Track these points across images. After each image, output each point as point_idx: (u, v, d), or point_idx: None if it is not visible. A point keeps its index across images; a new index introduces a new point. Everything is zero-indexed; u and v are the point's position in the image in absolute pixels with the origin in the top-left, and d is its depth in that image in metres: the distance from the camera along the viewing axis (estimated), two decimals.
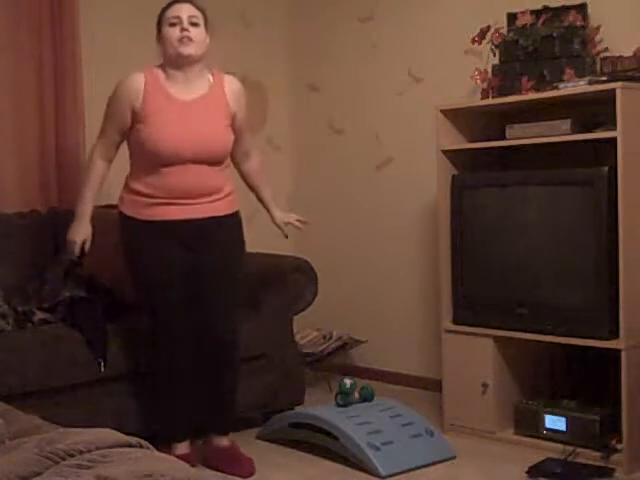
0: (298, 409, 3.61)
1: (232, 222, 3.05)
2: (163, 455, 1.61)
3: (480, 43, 3.57)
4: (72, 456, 1.52)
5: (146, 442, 1.65)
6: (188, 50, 2.88)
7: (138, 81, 2.90)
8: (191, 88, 2.94)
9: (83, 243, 3.02)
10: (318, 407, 3.42)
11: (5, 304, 3.26)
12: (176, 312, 2.96)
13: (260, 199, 3.27)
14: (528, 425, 3.28)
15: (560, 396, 3.31)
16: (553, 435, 3.20)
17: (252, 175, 3.22)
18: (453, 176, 3.49)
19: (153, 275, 2.96)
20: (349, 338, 4.31)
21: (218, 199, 2.98)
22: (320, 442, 3.20)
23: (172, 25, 2.89)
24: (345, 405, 3.33)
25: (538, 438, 3.24)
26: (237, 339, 3.09)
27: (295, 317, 3.74)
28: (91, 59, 4.02)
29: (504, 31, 3.51)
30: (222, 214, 2.99)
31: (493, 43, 3.52)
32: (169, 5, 2.95)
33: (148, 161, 2.89)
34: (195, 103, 2.92)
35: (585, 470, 2.94)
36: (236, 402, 3.15)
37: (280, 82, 4.69)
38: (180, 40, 2.87)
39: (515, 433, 3.34)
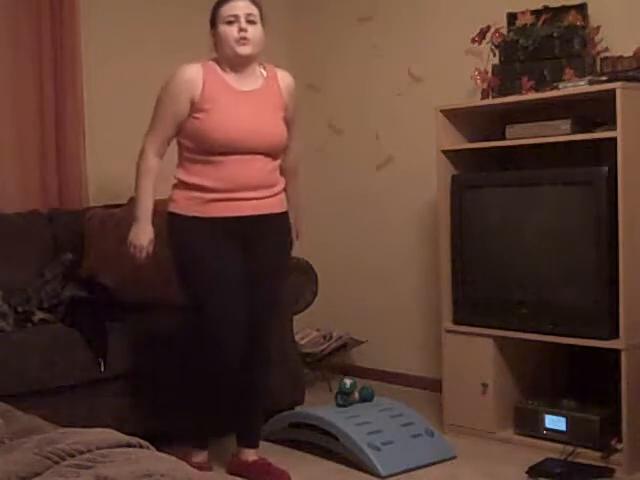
0: (298, 409, 3.61)
1: (284, 220, 3.00)
2: (163, 455, 1.61)
3: (480, 43, 3.57)
4: (72, 456, 1.52)
5: (146, 442, 1.65)
6: (246, 50, 2.81)
7: (196, 70, 2.81)
8: (247, 81, 2.88)
9: (148, 244, 2.87)
10: (318, 407, 3.42)
11: (5, 304, 3.26)
12: (230, 314, 2.84)
13: (288, 197, 3.10)
14: (528, 425, 3.28)
15: (560, 396, 3.31)
16: (553, 435, 3.20)
17: (285, 171, 3.07)
18: (453, 176, 3.49)
19: (211, 276, 2.82)
20: (349, 338, 4.31)
21: (275, 194, 2.92)
22: (320, 442, 3.20)
23: (229, 23, 2.80)
24: (345, 405, 3.33)
25: (538, 438, 3.24)
26: (271, 348, 3.05)
27: (295, 317, 3.74)
28: (91, 59, 4.02)
29: (504, 31, 3.51)
30: (278, 211, 2.94)
31: (493, 43, 3.52)
32: (225, 1, 2.84)
33: (207, 151, 2.79)
34: (253, 94, 2.87)
35: (585, 470, 2.94)
36: (262, 414, 3.16)
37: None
38: (238, 41, 2.79)
39: (515, 433, 3.34)
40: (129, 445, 1.61)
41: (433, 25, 4.10)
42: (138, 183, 2.87)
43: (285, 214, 2.99)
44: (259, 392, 3.06)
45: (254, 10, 2.85)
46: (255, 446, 3.08)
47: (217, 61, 2.87)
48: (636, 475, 2.97)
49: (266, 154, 2.86)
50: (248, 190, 2.83)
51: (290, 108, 2.98)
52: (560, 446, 3.12)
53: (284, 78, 2.99)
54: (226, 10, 2.82)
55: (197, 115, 2.79)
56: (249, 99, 2.85)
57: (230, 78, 2.86)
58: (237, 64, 2.85)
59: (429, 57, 4.12)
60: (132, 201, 3.35)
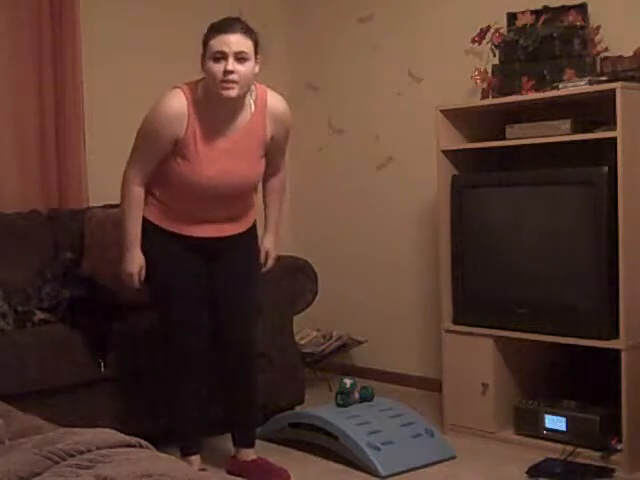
0: (298, 409, 3.61)
1: (251, 234, 3.02)
2: (163, 455, 1.61)
3: (480, 43, 3.57)
4: (72, 456, 1.52)
5: (146, 442, 1.65)
6: (230, 94, 2.65)
7: (180, 106, 2.70)
8: (232, 120, 2.77)
9: (139, 271, 2.88)
10: (318, 407, 3.42)
11: (5, 304, 3.26)
12: (194, 316, 2.91)
13: (265, 217, 3.11)
14: (528, 425, 3.28)
15: (560, 396, 3.31)
16: (553, 435, 3.20)
17: (270, 194, 3.06)
18: (453, 176, 3.49)
19: (172, 279, 2.89)
20: (349, 338, 4.31)
21: (244, 221, 2.96)
22: (320, 442, 3.20)
23: (216, 60, 2.63)
24: (345, 405, 3.33)
25: (538, 438, 3.24)
26: (253, 348, 3.06)
27: (295, 317, 3.74)
28: (91, 59, 4.02)
29: (504, 31, 3.51)
30: (241, 231, 2.97)
31: (493, 43, 3.52)
32: (216, 32, 2.65)
33: (182, 190, 2.80)
34: (236, 139, 2.78)
35: (585, 470, 2.94)
36: (257, 413, 3.17)
37: (280, 82, 4.69)
38: (222, 82, 2.63)
39: (515, 433, 3.34)
40: (129, 445, 1.61)
41: (433, 25, 4.10)
42: (125, 212, 2.84)
43: (251, 229, 3.01)
44: (249, 396, 3.08)
45: (246, 46, 2.66)
46: (251, 445, 3.08)
47: (204, 89, 2.74)
48: (636, 475, 2.97)
49: (239, 195, 2.88)
50: (219, 222, 2.88)
51: (278, 137, 2.88)
52: (560, 446, 3.12)
53: (273, 107, 2.85)
54: (215, 44, 2.64)
55: (177, 158, 2.75)
56: (232, 146, 2.78)
57: (213, 116, 2.74)
58: (221, 103, 2.72)
59: (429, 57, 4.12)
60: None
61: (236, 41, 2.64)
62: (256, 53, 2.72)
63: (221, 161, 2.77)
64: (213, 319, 2.96)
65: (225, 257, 2.94)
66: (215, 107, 2.74)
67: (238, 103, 2.77)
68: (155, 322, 3.01)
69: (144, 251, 2.88)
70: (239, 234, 2.96)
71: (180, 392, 2.97)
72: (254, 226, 3.04)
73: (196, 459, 3.00)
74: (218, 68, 2.64)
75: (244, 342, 3.02)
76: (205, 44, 2.69)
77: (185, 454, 2.98)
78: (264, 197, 3.09)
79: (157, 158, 2.78)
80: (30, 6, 3.82)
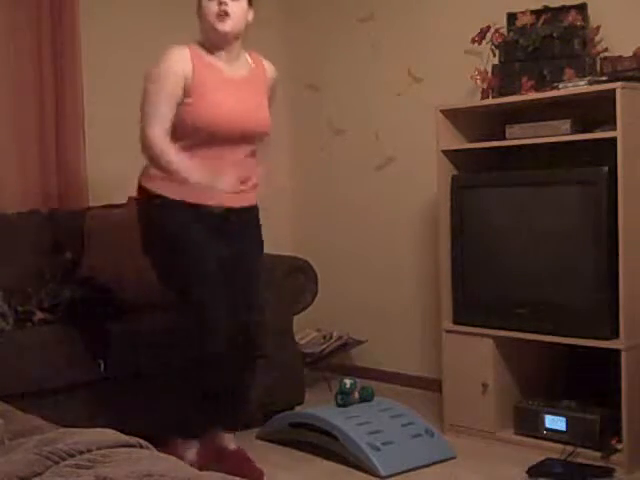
0: (298, 409, 3.61)
1: (256, 213, 2.99)
2: (163, 455, 1.61)
3: (480, 43, 3.57)
4: (72, 456, 1.52)
5: (146, 442, 1.65)
6: (225, 27, 2.74)
7: (184, 53, 2.74)
8: (234, 66, 2.84)
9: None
10: (318, 407, 3.42)
11: (5, 304, 3.26)
12: (215, 297, 2.78)
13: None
14: (528, 425, 3.28)
15: (560, 396, 3.31)
16: (553, 435, 3.20)
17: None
18: (453, 176, 3.49)
19: (191, 256, 2.76)
20: (349, 338, 4.31)
21: (252, 187, 2.90)
22: (320, 442, 3.20)
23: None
24: (345, 405, 3.33)
25: (538, 438, 3.24)
26: (263, 333, 3.00)
27: (295, 317, 3.74)
28: (91, 59, 4.03)
29: (504, 31, 3.51)
30: (253, 203, 2.94)
31: (493, 43, 3.52)
32: None
33: (192, 136, 2.75)
34: (241, 82, 2.84)
35: (585, 470, 2.94)
36: (251, 399, 3.08)
37: (280, 82, 4.68)
38: (218, 15, 2.72)
39: (515, 433, 3.34)
40: (129, 445, 1.61)
41: (433, 25, 4.10)
42: (171, 162, 2.69)
43: (256, 207, 2.98)
44: (249, 375, 3.02)
45: None
46: (235, 429, 3.01)
47: (202, 45, 2.81)
48: (636, 475, 2.97)
49: (250, 142, 2.85)
50: (228, 183, 2.76)
51: (271, 97, 2.99)
52: (560, 446, 3.12)
53: (270, 69, 2.98)
54: None
55: (187, 100, 2.74)
56: (237, 86, 2.82)
57: (217, 61, 2.81)
58: (218, 43, 2.79)
59: (429, 57, 4.12)
60: (131, 201, 3.33)
61: None
62: (250, 2, 2.82)
63: (234, 98, 2.78)
64: (231, 301, 2.86)
65: (240, 237, 2.90)
66: (214, 56, 2.80)
67: (235, 51, 2.83)
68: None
69: (159, 233, 2.79)
70: (250, 208, 2.92)
71: (200, 380, 2.86)
72: (257, 207, 2.99)
73: (194, 445, 2.92)
74: (212, 3, 2.74)
75: (257, 328, 2.95)
76: None
77: (186, 437, 2.90)
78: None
79: (172, 103, 2.72)
80: (30, 6, 3.82)
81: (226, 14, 2.73)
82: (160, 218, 2.80)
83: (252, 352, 3.00)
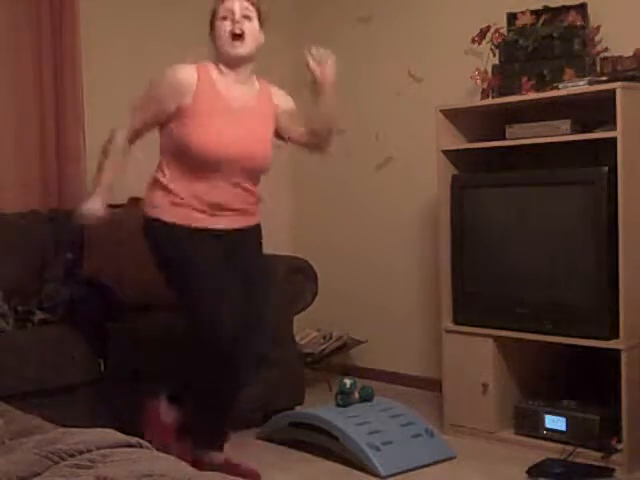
0: (298, 409, 3.61)
1: (256, 233, 2.98)
2: (163, 455, 1.61)
3: (480, 43, 3.57)
4: (72, 456, 1.52)
5: (146, 442, 1.65)
6: (242, 50, 2.77)
7: (191, 75, 2.75)
8: (241, 91, 2.83)
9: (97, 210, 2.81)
10: (318, 407, 3.42)
11: (5, 304, 3.26)
12: (225, 307, 2.75)
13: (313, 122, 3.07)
14: (528, 425, 3.28)
15: (560, 396, 3.31)
16: (553, 435, 3.20)
17: (303, 134, 3.05)
18: (453, 176, 3.49)
19: (202, 271, 2.75)
20: (349, 338, 4.31)
21: (250, 212, 2.91)
22: (320, 442, 3.20)
23: (224, 19, 2.77)
24: (345, 405, 3.33)
25: (538, 438, 3.24)
26: (269, 351, 2.96)
27: (295, 317, 3.74)
28: (91, 59, 4.02)
29: (504, 31, 3.51)
30: (252, 224, 2.93)
31: (493, 43, 3.52)
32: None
33: (190, 165, 2.76)
34: (245, 110, 2.82)
35: (585, 470, 2.94)
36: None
37: (281, 81, 4.68)
38: (231, 33, 2.75)
39: (515, 433, 3.33)
40: (129, 445, 1.62)
41: (433, 25, 4.10)
42: (105, 153, 2.82)
43: (258, 226, 2.97)
44: (237, 397, 2.93)
45: (251, 7, 2.81)
46: (222, 448, 2.93)
47: (215, 64, 2.82)
48: (636, 475, 2.97)
49: (249, 177, 2.84)
50: (223, 210, 2.81)
51: (289, 107, 2.99)
52: (560, 446, 3.12)
53: (277, 95, 3.00)
54: (222, 5, 2.79)
55: (184, 121, 2.73)
56: (241, 116, 2.80)
57: (224, 84, 2.79)
58: (232, 63, 2.80)
59: (429, 57, 4.12)
60: (132, 201, 3.33)
61: (241, 3, 2.80)
62: (260, 22, 2.85)
63: (234, 128, 2.76)
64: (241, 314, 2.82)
65: (244, 250, 2.89)
66: (224, 76, 2.80)
67: (247, 70, 2.84)
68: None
69: (161, 257, 2.80)
70: (250, 227, 2.91)
71: (212, 394, 2.83)
72: (260, 228, 2.99)
73: (175, 410, 2.89)
74: (226, 25, 2.77)
75: (266, 344, 2.91)
76: (213, 14, 2.82)
77: (212, 447, 2.87)
78: (312, 132, 3.05)
79: (154, 119, 2.78)
80: (30, 6, 3.82)
81: (241, 34, 2.76)
82: (160, 240, 2.82)
83: (251, 371, 2.93)
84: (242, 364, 2.84)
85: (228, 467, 2.84)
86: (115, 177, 2.83)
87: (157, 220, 2.81)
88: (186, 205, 2.78)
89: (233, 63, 2.80)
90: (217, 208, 2.80)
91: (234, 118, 2.78)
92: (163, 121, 2.78)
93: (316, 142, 3.05)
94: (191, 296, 2.78)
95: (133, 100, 2.82)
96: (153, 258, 2.84)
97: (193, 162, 2.75)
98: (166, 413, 2.91)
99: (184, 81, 2.74)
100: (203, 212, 2.79)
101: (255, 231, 2.97)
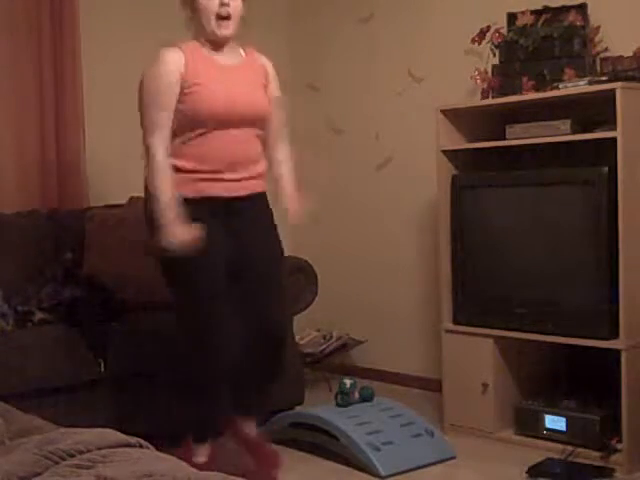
0: (298, 409, 3.61)
1: (266, 201, 2.94)
2: (163, 455, 1.61)
3: (480, 43, 3.57)
4: (72, 456, 1.52)
5: (146, 442, 1.65)
6: (226, 32, 2.74)
7: (177, 52, 2.72)
8: (229, 57, 2.82)
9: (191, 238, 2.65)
10: (318, 407, 3.42)
11: (5, 304, 3.26)
12: (224, 304, 2.74)
13: (277, 178, 2.97)
14: (528, 425, 3.28)
15: (560, 396, 3.31)
16: (553, 435, 3.20)
17: (270, 140, 2.95)
18: (453, 176, 3.49)
19: (200, 260, 2.68)
20: (349, 338, 4.31)
21: (258, 175, 2.86)
22: (320, 442, 3.20)
23: None
24: (345, 405, 3.33)
25: (538, 438, 3.24)
26: (287, 335, 2.96)
27: (295, 317, 3.74)
28: (91, 59, 4.03)
29: (504, 31, 3.51)
30: (260, 190, 2.88)
31: (493, 43, 3.52)
32: None
33: (194, 127, 2.72)
34: (236, 68, 2.82)
35: (585, 470, 2.94)
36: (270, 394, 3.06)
37: (280, 82, 4.69)
38: (218, 16, 2.70)
39: (515, 433, 3.34)
40: (129, 445, 1.61)
41: (433, 25, 4.10)
42: (158, 186, 2.66)
43: (265, 194, 2.93)
44: (279, 368, 2.96)
45: None
46: (254, 417, 2.97)
47: (194, 39, 2.79)
48: (636, 475, 2.97)
49: (251, 125, 2.81)
50: (233, 170, 2.76)
51: (271, 85, 2.94)
52: (560, 446, 3.12)
53: (262, 59, 2.94)
54: None
55: (185, 91, 2.70)
56: (232, 72, 2.80)
57: (210, 53, 2.79)
58: (215, 43, 2.78)
59: (429, 57, 4.12)
60: (134, 200, 3.32)
61: None
62: None
63: (226, 87, 2.74)
64: (245, 305, 2.82)
65: (252, 229, 2.85)
66: (209, 49, 2.78)
67: (230, 46, 2.81)
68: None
69: (153, 231, 2.71)
70: (259, 195, 2.87)
71: (207, 384, 2.82)
72: (266, 195, 2.94)
73: (206, 448, 2.89)
74: (212, 3, 2.70)
75: (279, 331, 2.89)
76: None
77: (199, 440, 2.87)
78: (271, 167, 2.97)
79: (170, 106, 2.70)
80: (30, 6, 3.82)
81: (228, 17, 2.72)
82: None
83: (271, 369, 2.95)
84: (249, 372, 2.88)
85: (254, 444, 2.94)
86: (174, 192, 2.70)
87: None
88: (190, 176, 2.72)
89: (218, 43, 2.79)
90: (229, 167, 2.75)
91: (227, 75, 2.78)
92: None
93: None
94: (187, 300, 2.78)
95: (144, 117, 2.73)
96: (151, 238, 2.77)
97: (200, 123, 2.71)
98: (197, 454, 2.88)
99: (175, 58, 2.71)
100: (212, 180, 2.72)
101: (262, 201, 2.91)
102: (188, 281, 2.74)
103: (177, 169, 2.74)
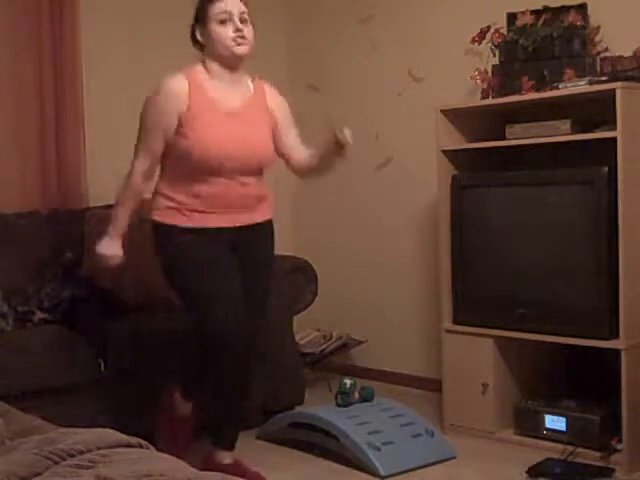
0: (298, 409, 3.61)
1: (269, 227, 2.95)
2: (163, 455, 1.61)
3: (480, 43, 3.57)
4: (72, 456, 1.52)
5: (146, 442, 1.65)
6: (243, 50, 2.73)
7: (182, 84, 2.71)
8: (235, 92, 2.80)
9: (113, 257, 2.82)
10: (318, 407, 3.42)
11: (5, 304, 3.26)
12: (232, 312, 2.76)
13: (321, 156, 2.93)
14: (528, 425, 3.28)
15: (560, 396, 3.31)
16: (553, 435, 3.20)
17: (304, 158, 2.96)
18: (453, 176, 3.49)
19: (206, 272, 2.75)
20: (349, 338, 4.31)
21: (260, 208, 2.89)
22: (320, 442, 3.20)
23: (222, 22, 2.70)
24: (345, 405, 3.33)
25: (538, 438, 3.24)
26: (258, 348, 2.96)
27: (295, 317, 3.74)
28: (91, 59, 4.03)
29: (504, 31, 3.51)
30: (262, 220, 2.90)
31: (493, 43, 3.52)
32: None
33: (191, 170, 2.74)
34: (241, 111, 2.79)
35: (585, 470, 2.94)
36: (245, 416, 3.09)
37: (280, 82, 4.69)
38: (234, 40, 2.70)
39: (515, 433, 3.34)
40: (129, 445, 1.61)
41: (433, 25, 4.10)
42: (120, 200, 2.81)
43: (269, 222, 2.94)
44: (246, 391, 2.96)
45: (245, 9, 2.76)
46: (232, 448, 2.95)
47: (205, 67, 2.78)
48: (636, 475, 2.97)
49: (254, 174, 2.82)
50: (234, 209, 2.80)
51: (278, 113, 2.92)
52: (560, 446, 3.12)
53: (272, 92, 2.93)
54: (217, 8, 2.71)
55: (182, 130, 2.71)
56: (237, 117, 2.78)
57: (217, 90, 2.76)
58: (231, 65, 2.77)
59: (429, 57, 4.12)
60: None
61: (237, 2, 2.74)
62: (251, 22, 2.79)
63: (227, 127, 2.74)
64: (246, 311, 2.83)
65: (245, 253, 2.86)
66: (218, 78, 2.77)
67: (239, 73, 2.81)
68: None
69: (166, 258, 2.80)
70: (258, 224, 2.88)
71: (222, 390, 2.86)
72: (271, 222, 2.96)
73: (190, 404, 2.94)
74: (226, 30, 2.71)
75: (251, 341, 2.89)
76: (202, 16, 2.74)
77: (185, 395, 2.93)
78: (304, 166, 2.98)
79: (163, 137, 2.72)
80: (30, 6, 3.82)
81: (244, 38, 2.72)
82: (164, 243, 2.81)
83: (246, 373, 2.93)
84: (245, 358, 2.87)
85: (236, 469, 2.85)
86: (131, 218, 2.83)
87: (158, 223, 2.81)
88: (188, 208, 2.77)
89: (233, 64, 2.78)
90: (221, 206, 2.78)
91: (230, 119, 2.77)
92: (170, 137, 2.73)
93: (316, 166, 2.97)
94: (194, 300, 2.79)
95: (137, 140, 2.78)
96: (159, 262, 2.84)
97: (195, 166, 2.73)
98: (182, 406, 2.96)
99: (178, 90, 2.71)
100: (204, 212, 2.78)
101: (262, 228, 2.91)
102: (197, 284, 2.77)
103: (174, 201, 2.78)
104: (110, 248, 2.82)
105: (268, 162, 2.88)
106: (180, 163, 2.76)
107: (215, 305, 2.74)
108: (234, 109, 2.79)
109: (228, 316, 2.74)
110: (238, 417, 3.00)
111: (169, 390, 2.98)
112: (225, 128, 2.75)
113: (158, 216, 2.81)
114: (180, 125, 2.71)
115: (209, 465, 2.89)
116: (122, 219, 2.81)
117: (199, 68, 2.79)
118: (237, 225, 2.83)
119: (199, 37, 2.78)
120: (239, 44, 2.72)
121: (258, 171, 2.85)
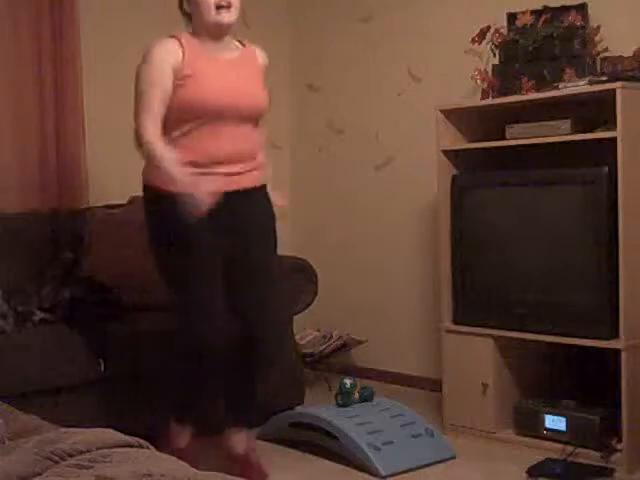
0: (298, 409, 3.61)
1: (264, 195, 2.90)
2: (163, 455, 1.61)
3: (480, 43, 3.57)
4: (72, 456, 1.52)
5: (146, 442, 1.65)
6: (229, 18, 2.71)
7: (172, 42, 2.70)
8: (226, 50, 2.80)
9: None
10: (318, 407, 3.42)
11: (5, 304, 3.26)
12: (216, 301, 2.74)
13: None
14: (528, 425, 3.28)
15: (560, 396, 3.31)
16: (553, 435, 3.20)
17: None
18: (453, 176, 3.49)
19: (192, 255, 2.71)
20: (349, 338, 4.31)
21: (254, 168, 2.83)
22: (320, 442, 3.20)
23: None
24: (345, 405, 3.33)
25: (538, 438, 3.24)
26: (282, 336, 2.94)
27: (295, 317, 3.74)
28: (91, 59, 4.03)
29: (504, 31, 3.51)
30: (257, 185, 2.85)
31: (493, 43, 3.52)
32: None
33: (190, 121, 2.71)
34: (233, 62, 2.80)
35: (585, 470, 2.94)
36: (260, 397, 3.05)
37: (280, 82, 4.70)
38: (218, 7, 2.68)
39: (515, 433, 3.34)
40: (129, 445, 1.61)
41: (433, 25, 4.10)
42: (157, 155, 2.62)
43: (264, 187, 2.90)
44: (253, 383, 2.97)
45: None
46: (245, 427, 2.94)
47: (192, 33, 2.77)
48: (636, 475, 2.97)
49: (247, 120, 2.79)
50: (228, 163, 2.74)
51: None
52: (560, 446, 3.12)
53: (260, 53, 2.92)
54: None
55: (179, 82, 2.68)
56: (229, 66, 2.79)
57: (208, 47, 2.76)
58: (216, 33, 2.75)
59: (429, 57, 4.12)
60: (134, 200, 3.31)
61: None
62: None
63: (223, 80, 2.73)
64: (236, 306, 2.81)
65: (243, 227, 2.82)
66: (206, 43, 2.75)
67: (227, 38, 2.79)
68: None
69: (154, 226, 2.75)
70: (255, 190, 2.84)
71: (196, 380, 2.85)
72: (266, 188, 2.91)
73: (187, 430, 2.90)
74: None
75: (269, 331, 2.87)
76: None
77: (179, 421, 2.89)
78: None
79: (163, 96, 2.68)
80: (30, 6, 3.82)
81: (229, 4, 2.70)
82: (160, 212, 2.74)
83: (264, 365, 2.96)
84: (242, 367, 2.88)
85: (243, 462, 2.90)
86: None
87: (150, 188, 2.74)
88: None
89: (217, 33, 2.76)
90: (226, 160, 2.74)
91: (224, 68, 2.77)
92: (169, 95, 2.69)
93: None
94: (178, 282, 2.77)
95: (137, 104, 2.73)
96: (148, 228, 2.78)
97: (197, 117, 2.70)
98: (180, 437, 2.91)
99: (171, 47, 2.70)
100: (203, 172, 2.67)
101: (259, 196, 2.88)
102: (179, 267, 2.75)
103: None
104: (205, 182, 2.59)
105: (264, 105, 2.86)
106: (179, 116, 2.70)
107: (199, 290, 2.74)
108: (226, 59, 2.79)
109: (212, 306, 2.74)
110: (251, 392, 2.97)
111: (164, 423, 2.91)
112: (222, 75, 2.74)
113: (152, 179, 2.72)
114: (176, 78, 2.69)
115: (222, 447, 2.93)
116: (172, 158, 2.61)
117: (187, 35, 2.78)
118: (237, 189, 2.76)
119: (185, 7, 2.78)
120: (224, 11, 2.69)
121: (254, 116, 2.82)
